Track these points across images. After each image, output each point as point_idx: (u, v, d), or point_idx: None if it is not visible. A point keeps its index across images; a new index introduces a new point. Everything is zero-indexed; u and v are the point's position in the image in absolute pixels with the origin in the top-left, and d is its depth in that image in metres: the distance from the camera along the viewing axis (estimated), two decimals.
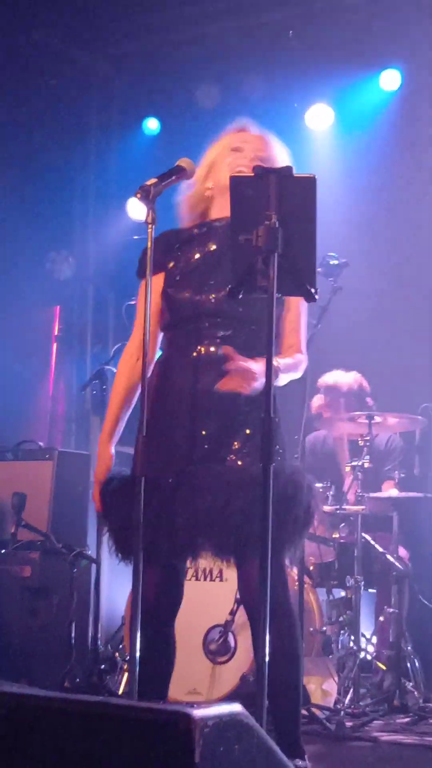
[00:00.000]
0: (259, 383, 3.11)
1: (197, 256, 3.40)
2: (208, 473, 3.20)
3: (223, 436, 3.24)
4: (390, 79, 7.21)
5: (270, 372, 2.78)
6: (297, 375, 3.40)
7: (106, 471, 3.38)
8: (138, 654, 2.97)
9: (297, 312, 3.42)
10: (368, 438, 5.48)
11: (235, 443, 3.23)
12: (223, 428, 3.24)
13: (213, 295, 3.31)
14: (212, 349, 3.28)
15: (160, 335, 3.46)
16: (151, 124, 7.91)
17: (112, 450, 3.43)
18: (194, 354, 3.29)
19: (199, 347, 3.29)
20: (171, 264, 3.41)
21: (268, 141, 3.50)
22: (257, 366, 3.12)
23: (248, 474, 3.14)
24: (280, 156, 3.46)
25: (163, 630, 3.29)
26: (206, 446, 3.23)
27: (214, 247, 3.40)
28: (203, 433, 3.24)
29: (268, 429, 2.76)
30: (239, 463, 3.21)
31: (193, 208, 3.53)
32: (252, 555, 3.12)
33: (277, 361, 3.04)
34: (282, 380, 3.29)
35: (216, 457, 3.23)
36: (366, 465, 5.44)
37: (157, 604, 3.25)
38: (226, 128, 3.58)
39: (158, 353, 3.47)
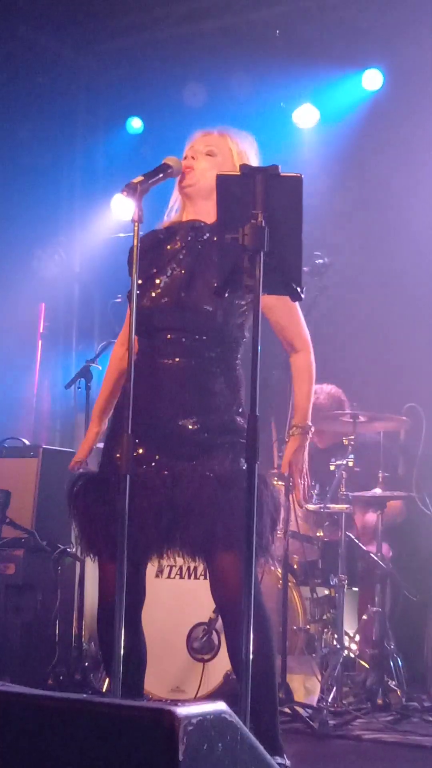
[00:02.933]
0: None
1: (157, 265, 3.40)
2: (177, 471, 3.23)
3: (191, 437, 3.26)
4: (372, 79, 7.22)
5: (256, 370, 2.78)
6: (314, 378, 3.54)
7: (86, 449, 3.61)
8: (122, 652, 2.97)
9: (282, 308, 3.42)
10: (353, 438, 5.49)
11: (204, 443, 3.26)
12: (190, 431, 3.27)
13: (167, 307, 3.32)
14: (169, 362, 3.30)
15: None
16: (134, 124, 7.89)
17: (98, 428, 3.59)
18: (156, 367, 3.31)
19: (160, 360, 3.31)
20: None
21: (213, 136, 3.52)
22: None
23: (216, 472, 3.19)
24: (228, 146, 3.48)
25: (129, 625, 3.17)
26: (175, 445, 3.26)
27: (170, 257, 3.41)
28: (172, 432, 3.27)
29: (253, 426, 2.76)
30: (207, 462, 3.23)
31: (170, 209, 3.57)
32: (221, 554, 3.15)
33: (303, 427, 3.45)
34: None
35: (185, 456, 3.25)
36: (350, 464, 5.45)
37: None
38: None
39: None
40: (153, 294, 3.35)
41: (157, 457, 3.26)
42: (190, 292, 3.30)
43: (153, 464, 3.26)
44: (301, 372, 3.51)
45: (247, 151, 3.50)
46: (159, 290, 3.35)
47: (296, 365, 3.52)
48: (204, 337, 3.30)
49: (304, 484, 3.45)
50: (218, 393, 3.30)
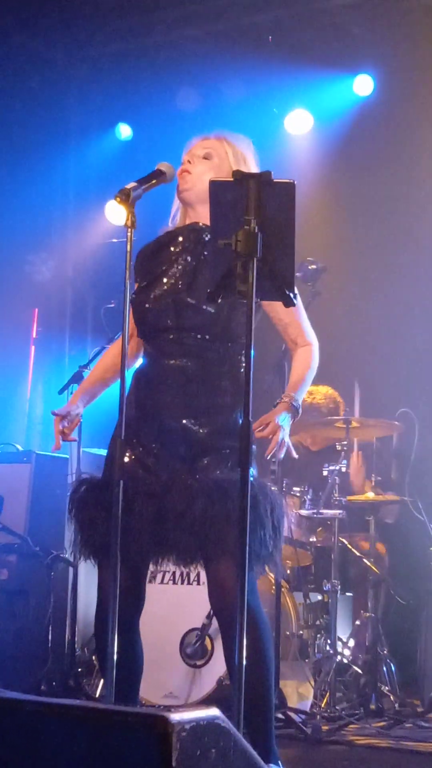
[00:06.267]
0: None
1: (159, 267, 3.42)
2: (173, 476, 3.23)
3: (194, 436, 3.27)
4: (363, 85, 7.23)
5: (249, 377, 2.79)
6: (315, 368, 3.48)
7: (66, 407, 3.59)
8: (115, 657, 2.97)
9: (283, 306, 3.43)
10: (346, 443, 5.50)
11: (207, 444, 3.26)
12: (195, 431, 3.27)
13: (169, 308, 3.33)
14: (172, 362, 3.31)
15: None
16: (123, 130, 7.88)
17: (79, 401, 3.58)
18: (161, 367, 3.33)
19: (164, 360, 3.32)
20: (139, 273, 3.45)
21: (210, 140, 3.53)
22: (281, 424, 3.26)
23: (214, 479, 3.18)
24: (225, 148, 3.49)
25: (127, 631, 3.20)
26: (178, 445, 3.26)
27: (172, 259, 3.42)
28: (176, 432, 3.27)
29: (246, 434, 2.76)
30: (205, 467, 3.23)
31: (172, 216, 3.59)
32: (218, 560, 3.14)
33: (292, 399, 3.31)
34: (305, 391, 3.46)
35: (186, 457, 3.26)
36: (343, 470, 5.45)
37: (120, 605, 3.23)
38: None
39: (139, 360, 3.50)
40: (155, 295, 3.36)
41: (158, 458, 3.26)
42: (192, 293, 3.32)
43: (154, 468, 3.25)
44: (301, 359, 3.47)
45: (244, 152, 3.51)
46: (161, 292, 3.37)
47: (297, 354, 3.49)
48: (207, 337, 3.31)
49: (278, 445, 3.25)
50: (224, 392, 3.30)
